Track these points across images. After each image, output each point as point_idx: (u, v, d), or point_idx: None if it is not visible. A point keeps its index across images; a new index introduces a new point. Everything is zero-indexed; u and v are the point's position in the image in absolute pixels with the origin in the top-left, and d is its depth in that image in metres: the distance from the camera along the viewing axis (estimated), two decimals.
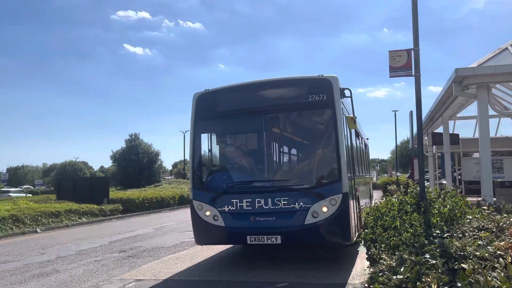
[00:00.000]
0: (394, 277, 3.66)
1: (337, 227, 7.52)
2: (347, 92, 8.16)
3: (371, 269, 4.50)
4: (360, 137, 12.14)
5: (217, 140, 9.30)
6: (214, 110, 8.65)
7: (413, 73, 7.74)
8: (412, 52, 7.72)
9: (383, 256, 4.42)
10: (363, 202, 10.67)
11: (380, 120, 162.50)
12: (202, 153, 8.95)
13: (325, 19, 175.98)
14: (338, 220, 7.44)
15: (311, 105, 7.94)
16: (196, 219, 8.36)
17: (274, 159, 8.96)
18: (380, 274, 3.93)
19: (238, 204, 7.92)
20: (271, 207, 7.68)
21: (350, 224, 7.71)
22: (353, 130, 9.22)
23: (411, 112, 11.17)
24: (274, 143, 8.90)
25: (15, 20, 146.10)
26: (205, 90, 8.77)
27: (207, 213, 8.18)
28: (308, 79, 8.23)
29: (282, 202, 7.65)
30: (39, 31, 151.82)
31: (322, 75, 7.95)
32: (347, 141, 8.24)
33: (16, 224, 16.79)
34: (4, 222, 16.38)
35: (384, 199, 8.64)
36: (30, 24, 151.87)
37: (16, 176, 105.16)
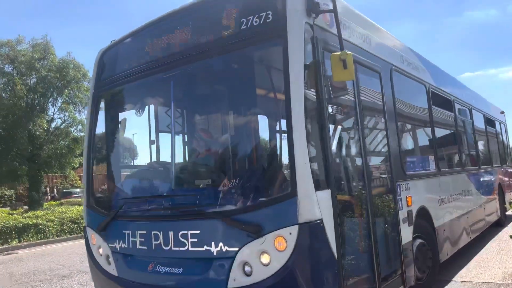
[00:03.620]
0: None
1: None
2: (324, 4, 3.84)
3: None
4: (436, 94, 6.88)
5: (118, 124, 5.34)
6: (114, 73, 5.10)
7: None
8: None
9: None
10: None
11: None
12: (101, 146, 5.40)
13: None
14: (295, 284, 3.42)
15: (244, 39, 3.86)
16: (90, 261, 5.03)
17: (187, 157, 5.44)
18: None
19: (131, 239, 4.40)
20: (173, 248, 4.01)
21: None
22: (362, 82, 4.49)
23: None
24: (188, 125, 5.50)
25: None
26: (111, 41, 5.32)
27: (100, 250, 4.82)
28: None
29: (190, 241, 3.90)
30: None
31: None
32: (328, 110, 3.77)
33: None
34: None
35: None
36: None
37: None
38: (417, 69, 6.33)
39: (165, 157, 5.00)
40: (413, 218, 5.21)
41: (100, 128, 5.15)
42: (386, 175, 4.87)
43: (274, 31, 3.68)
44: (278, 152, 4.28)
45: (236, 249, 3.60)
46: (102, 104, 5.23)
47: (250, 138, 4.65)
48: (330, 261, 3.53)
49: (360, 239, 4.12)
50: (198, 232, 3.86)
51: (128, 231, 4.40)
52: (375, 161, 4.86)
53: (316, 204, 3.42)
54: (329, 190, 3.61)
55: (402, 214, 4.94)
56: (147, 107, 5.28)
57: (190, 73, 4.51)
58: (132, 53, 4.98)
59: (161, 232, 4.10)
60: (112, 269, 4.59)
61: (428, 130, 6.56)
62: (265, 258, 3.49)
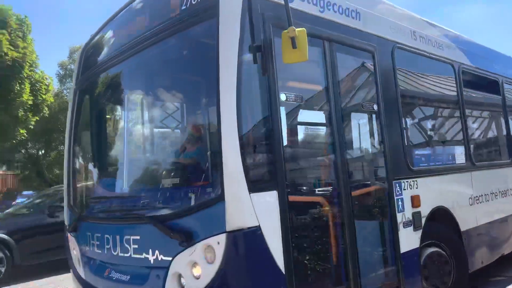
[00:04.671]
0: None
1: None
2: None
3: None
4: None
5: (96, 120, 5.03)
6: (90, 68, 4.81)
7: None
8: None
9: None
10: None
11: None
12: (81, 142, 5.02)
13: None
14: None
15: (182, 21, 3.43)
16: (70, 263, 4.75)
17: (137, 153, 4.96)
18: None
19: (91, 241, 4.15)
20: (119, 254, 3.69)
21: None
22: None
23: None
24: (138, 118, 5.01)
25: None
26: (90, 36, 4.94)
27: (74, 251, 4.60)
28: None
29: (132, 247, 3.57)
30: None
31: None
32: (280, 97, 3.24)
33: None
34: None
35: None
36: None
37: None
38: (439, 47, 5.37)
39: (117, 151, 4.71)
40: (422, 221, 4.42)
41: (81, 125, 4.95)
42: (376, 172, 4.17)
43: (208, 9, 3.18)
44: (209, 150, 3.58)
45: (170, 258, 3.17)
46: (83, 100, 4.94)
47: (189, 130, 4.19)
48: (275, 277, 2.98)
49: (330, 248, 3.49)
50: (138, 237, 3.48)
51: (89, 233, 4.14)
52: (360, 155, 4.15)
53: (250, 209, 2.87)
54: (275, 192, 3.05)
55: (403, 217, 4.18)
56: (119, 100, 4.87)
57: (138, 62, 4.14)
58: (102, 46, 4.73)
59: (111, 236, 3.78)
60: (81, 271, 4.40)
61: (456, 117, 5.56)
62: (196, 271, 3.03)
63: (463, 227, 5.02)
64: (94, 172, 4.94)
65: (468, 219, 5.14)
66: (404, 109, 4.55)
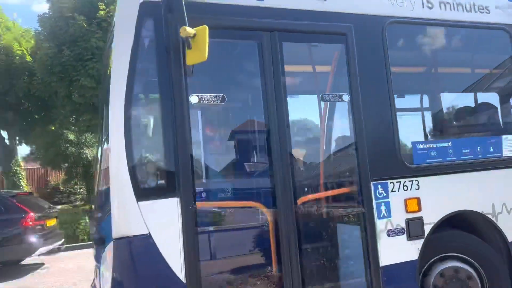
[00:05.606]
0: None
1: None
2: None
3: None
4: None
5: None
6: None
7: None
8: None
9: None
10: None
11: None
12: None
13: None
14: None
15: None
16: None
17: None
18: None
19: None
20: None
21: None
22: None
23: None
24: None
25: None
26: None
27: None
28: None
29: None
30: None
31: None
32: (190, 100, 3.08)
33: None
34: None
35: None
36: None
37: None
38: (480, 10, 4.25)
39: None
40: (426, 229, 3.66)
41: None
42: (341, 172, 3.63)
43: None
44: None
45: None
46: None
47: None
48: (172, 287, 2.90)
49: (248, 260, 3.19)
50: None
51: None
52: (312, 155, 3.63)
53: (137, 217, 2.85)
54: (175, 199, 2.94)
55: (387, 224, 3.55)
56: None
57: None
58: None
59: None
60: None
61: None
62: (106, 274, 3.13)
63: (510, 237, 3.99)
64: None
65: None
66: (399, 97, 3.82)
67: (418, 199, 3.67)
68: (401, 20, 3.87)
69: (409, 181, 3.66)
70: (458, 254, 3.86)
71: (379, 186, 3.56)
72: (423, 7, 3.98)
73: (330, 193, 3.60)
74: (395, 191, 3.61)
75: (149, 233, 2.87)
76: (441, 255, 3.85)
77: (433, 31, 4.11)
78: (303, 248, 3.29)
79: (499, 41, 4.40)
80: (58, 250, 9.48)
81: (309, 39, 3.61)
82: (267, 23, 3.36)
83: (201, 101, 3.14)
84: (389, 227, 3.55)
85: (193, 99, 3.09)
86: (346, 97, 3.59)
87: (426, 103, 4.81)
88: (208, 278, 3.06)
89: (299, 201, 3.33)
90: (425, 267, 3.81)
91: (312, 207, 3.45)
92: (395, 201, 3.59)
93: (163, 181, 2.99)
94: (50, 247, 8.96)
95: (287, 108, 3.32)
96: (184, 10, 2.91)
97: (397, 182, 3.62)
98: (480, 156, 4.02)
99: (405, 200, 3.63)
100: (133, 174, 2.87)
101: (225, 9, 3.26)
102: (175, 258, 2.90)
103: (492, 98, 4.63)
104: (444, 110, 4.50)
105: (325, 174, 3.64)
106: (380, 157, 3.60)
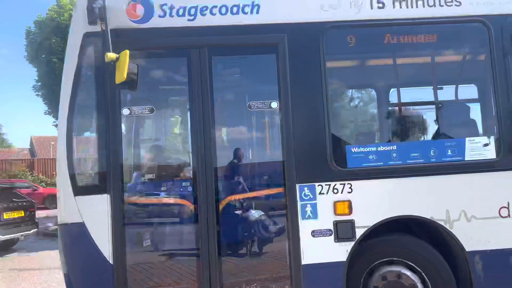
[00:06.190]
0: None
1: None
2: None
3: None
4: None
5: None
6: None
7: None
8: None
9: None
10: None
11: None
12: None
13: None
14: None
15: None
16: None
17: None
18: None
19: None
20: None
21: None
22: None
23: None
24: None
25: None
26: None
27: None
28: None
29: None
30: None
31: None
32: (122, 112, 3.70)
33: None
34: None
35: None
36: None
37: None
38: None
39: None
40: (357, 232, 3.70)
41: None
42: (270, 175, 3.86)
43: None
44: None
45: None
46: None
47: None
48: (101, 265, 3.59)
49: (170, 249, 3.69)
50: None
51: None
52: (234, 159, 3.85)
53: (73, 208, 3.61)
54: (106, 195, 3.61)
55: (314, 225, 3.70)
56: None
57: None
58: None
59: None
60: None
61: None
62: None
63: (470, 246, 3.77)
64: None
65: (486, 236, 3.78)
66: (335, 103, 3.88)
67: (349, 202, 3.73)
68: (342, 25, 3.89)
69: (340, 184, 3.74)
70: (404, 260, 3.81)
71: (306, 188, 3.72)
72: (371, 8, 3.92)
73: (255, 193, 3.89)
74: (323, 193, 3.73)
75: (83, 221, 3.60)
76: (388, 259, 3.84)
77: (385, 32, 4.00)
78: (223, 243, 3.70)
79: (475, 36, 4.05)
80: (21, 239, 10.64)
81: (241, 51, 3.90)
82: (195, 40, 3.76)
83: (132, 113, 3.74)
84: (314, 227, 3.70)
85: (125, 111, 3.71)
86: (274, 104, 3.81)
87: (374, 107, 4.63)
88: (133, 260, 3.70)
89: (223, 201, 3.73)
90: (369, 268, 3.85)
91: (236, 206, 3.80)
92: (323, 203, 3.71)
93: (96, 181, 3.68)
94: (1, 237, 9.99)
95: (213, 115, 3.73)
96: (109, 38, 3.52)
97: (326, 185, 3.73)
98: (434, 160, 3.84)
99: (334, 202, 3.72)
100: (72, 175, 3.63)
101: (161, 32, 3.77)
102: (104, 244, 3.59)
103: (447, 101, 4.27)
104: (396, 114, 4.33)
105: (253, 176, 3.93)
106: (309, 160, 3.75)
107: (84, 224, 3.61)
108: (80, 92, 3.70)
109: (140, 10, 3.77)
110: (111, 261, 3.59)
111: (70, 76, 3.70)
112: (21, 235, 10.48)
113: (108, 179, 3.62)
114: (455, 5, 3.96)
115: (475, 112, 4.41)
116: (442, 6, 3.95)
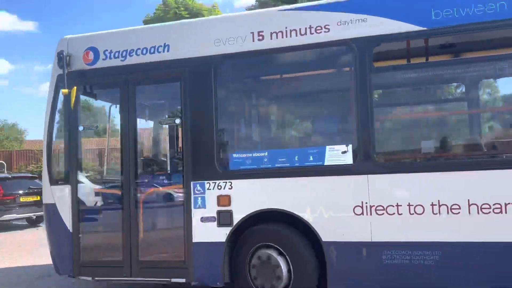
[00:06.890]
0: None
1: None
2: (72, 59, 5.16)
3: None
4: None
5: None
6: None
7: None
8: None
9: None
10: None
11: None
12: None
13: None
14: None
15: None
16: None
17: None
18: None
19: None
20: None
21: None
22: None
23: None
24: None
25: None
26: None
27: None
28: None
29: None
30: None
31: None
32: (78, 128, 5.34)
33: None
34: None
35: None
36: None
37: None
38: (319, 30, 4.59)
39: None
40: (234, 219, 4.73)
41: None
42: (172, 174, 5.17)
43: None
44: None
45: None
46: None
47: None
48: (65, 233, 5.35)
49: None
50: None
51: None
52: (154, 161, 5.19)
53: (49, 194, 5.45)
54: (68, 186, 5.33)
55: (202, 213, 4.85)
56: None
57: None
58: None
59: None
60: None
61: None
62: None
63: (326, 237, 4.51)
64: None
65: (341, 230, 4.47)
66: (222, 119, 4.93)
67: (229, 197, 4.78)
68: (229, 56, 4.89)
69: (223, 182, 4.81)
70: (274, 245, 4.71)
71: (198, 185, 4.90)
72: (253, 40, 4.84)
73: (166, 188, 5.22)
74: (210, 189, 4.85)
75: (55, 203, 5.40)
76: (266, 243, 4.78)
77: (266, 60, 4.90)
78: (140, 225, 5.15)
79: (344, 57, 4.67)
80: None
81: (157, 81, 5.29)
82: (124, 75, 5.20)
83: (84, 129, 5.39)
84: (203, 215, 4.86)
85: (80, 128, 5.37)
86: (178, 120, 5.08)
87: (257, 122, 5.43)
88: (85, 229, 5.43)
89: (143, 196, 5.23)
90: (253, 249, 4.83)
91: (151, 198, 5.26)
92: (210, 196, 4.83)
93: (62, 175, 5.44)
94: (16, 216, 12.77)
95: (136, 130, 5.20)
96: (65, 78, 5.19)
97: (212, 182, 4.85)
98: (297, 164, 4.65)
99: (218, 196, 4.82)
100: (50, 172, 5.47)
101: (104, 70, 5.28)
102: (67, 217, 5.34)
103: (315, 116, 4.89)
104: (272, 127, 5.11)
105: (165, 175, 5.26)
106: (201, 163, 4.91)
107: (55, 205, 5.42)
108: (55, 115, 5.49)
109: (91, 55, 5.36)
110: (71, 230, 5.33)
111: (49, 104, 5.52)
112: (34, 215, 13.21)
113: (70, 174, 5.35)
114: (324, 31, 4.64)
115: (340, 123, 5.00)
116: (312, 34, 4.67)
